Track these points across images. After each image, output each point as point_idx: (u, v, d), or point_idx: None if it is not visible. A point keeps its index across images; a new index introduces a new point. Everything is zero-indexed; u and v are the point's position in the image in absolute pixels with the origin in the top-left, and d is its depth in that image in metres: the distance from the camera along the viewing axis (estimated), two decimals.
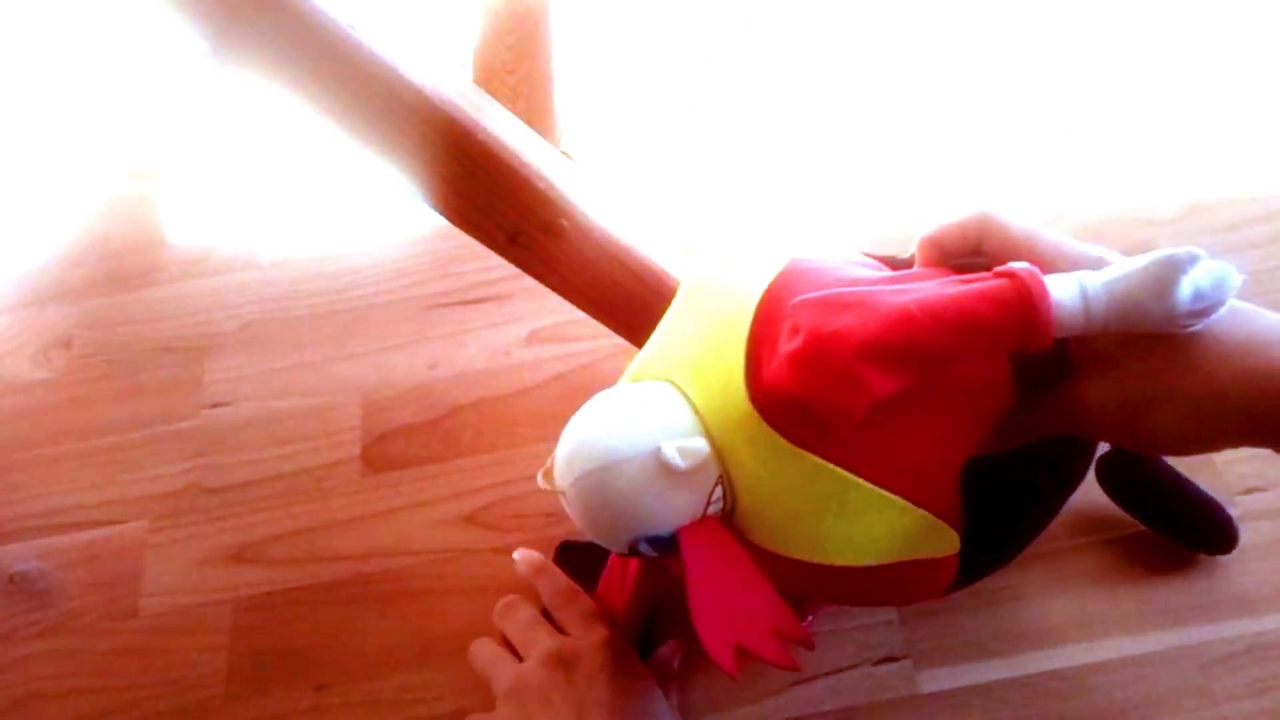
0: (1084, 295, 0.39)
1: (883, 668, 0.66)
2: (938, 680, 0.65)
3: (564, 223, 0.61)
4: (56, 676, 0.72)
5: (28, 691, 0.72)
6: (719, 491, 0.45)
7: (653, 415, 0.46)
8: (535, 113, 0.86)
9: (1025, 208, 0.85)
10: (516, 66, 0.85)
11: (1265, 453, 0.68)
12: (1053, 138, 0.88)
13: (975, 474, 0.46)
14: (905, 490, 0.43)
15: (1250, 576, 0.66)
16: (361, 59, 0.51)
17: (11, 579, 0.77)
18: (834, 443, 0.42)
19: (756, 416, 0.43)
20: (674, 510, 0.45)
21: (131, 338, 0.89)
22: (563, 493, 0.47)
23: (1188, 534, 0.66)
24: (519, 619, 0.65)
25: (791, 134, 0.92)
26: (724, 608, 0.43)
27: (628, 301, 0.68)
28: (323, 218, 0.95)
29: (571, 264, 0.64)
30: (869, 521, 0.43)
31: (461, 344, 0.85)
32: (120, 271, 0.94)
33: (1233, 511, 0.65)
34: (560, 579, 0.66)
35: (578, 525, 0.48)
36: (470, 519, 0.75)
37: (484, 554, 0.73)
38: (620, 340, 0.72)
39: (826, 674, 0.66)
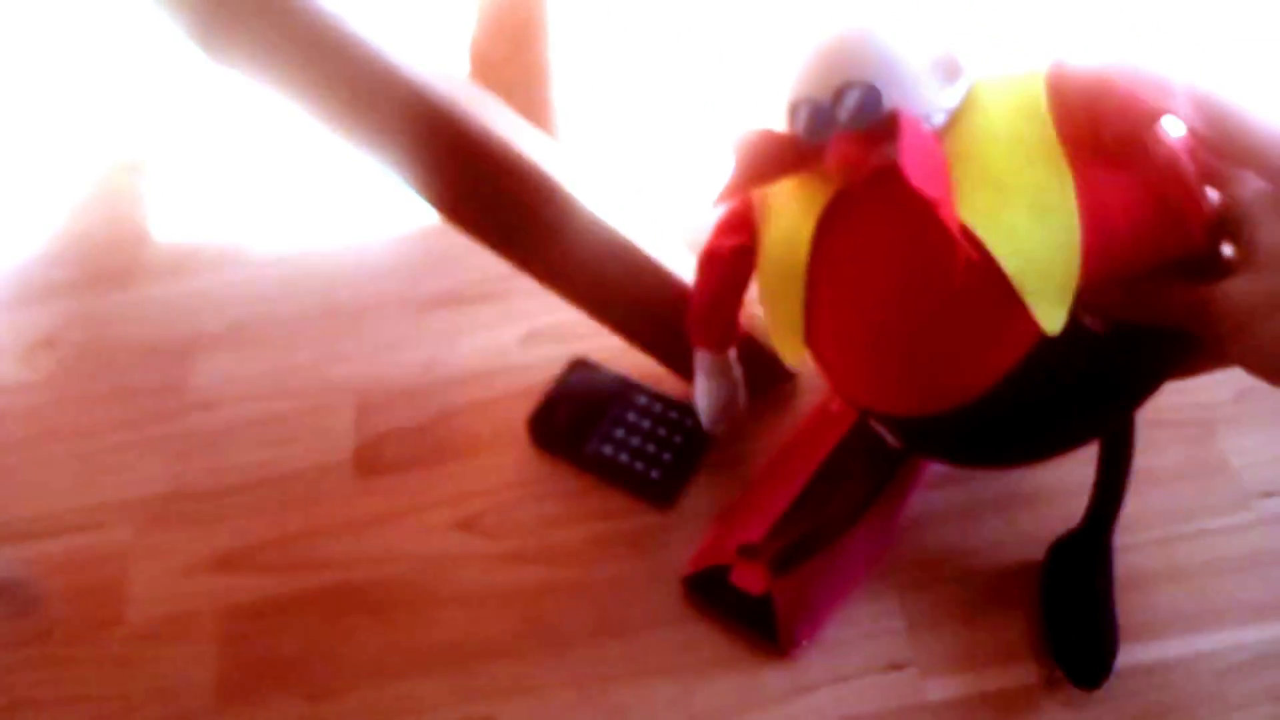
0: None
1: (889, 675, 0.65)
2: (944, 688, 0.64)
3: (561, 220, 0.60)
4: (41, 685, 0.71)
5: (11, 700, 0.70)
6: (939, 119, 0.46)
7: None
8: (533, 107, 0.85)
9: None
10: (513, 60, 0.85)
11: None
12: None
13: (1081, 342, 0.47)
14: (1085, 240, 0.44)
15: (1265, 582, 0.65)
16: (354, 51, 0.51)
17: None
18: (1083, 157, 0.45)
19: (1039, 91, 0.45)
20: (910, 84, 0.46)
21: (116, 338, 0.88)
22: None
23: (1066, 642, 0.64)
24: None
25: None
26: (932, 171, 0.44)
27: (626, 300, 0.68)
28: (313, 214, 0.95)
29: (569, 262, 0.64)
30: (1040, 225, 0.45)
31: (456, 344, 0.84)
32: (104, 270, 0.93)
33: (1247, 517, 0.65)
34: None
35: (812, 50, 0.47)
36: (465, 525, 0.74)
37: (478, 561, 0.72)
38: (619, 340, 0.72)
39: (833, 681, 0.65)
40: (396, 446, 0.79)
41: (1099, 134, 0.45)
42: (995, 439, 0.53)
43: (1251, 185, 0.46)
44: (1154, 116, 0.44)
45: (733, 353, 0.68)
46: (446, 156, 0.56)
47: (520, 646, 0.68)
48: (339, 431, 0.80)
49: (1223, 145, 0.44)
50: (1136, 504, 0.68)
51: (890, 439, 0.58)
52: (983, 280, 0.45)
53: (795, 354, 0.55)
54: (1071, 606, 0.64)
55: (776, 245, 0.54)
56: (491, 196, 0.59)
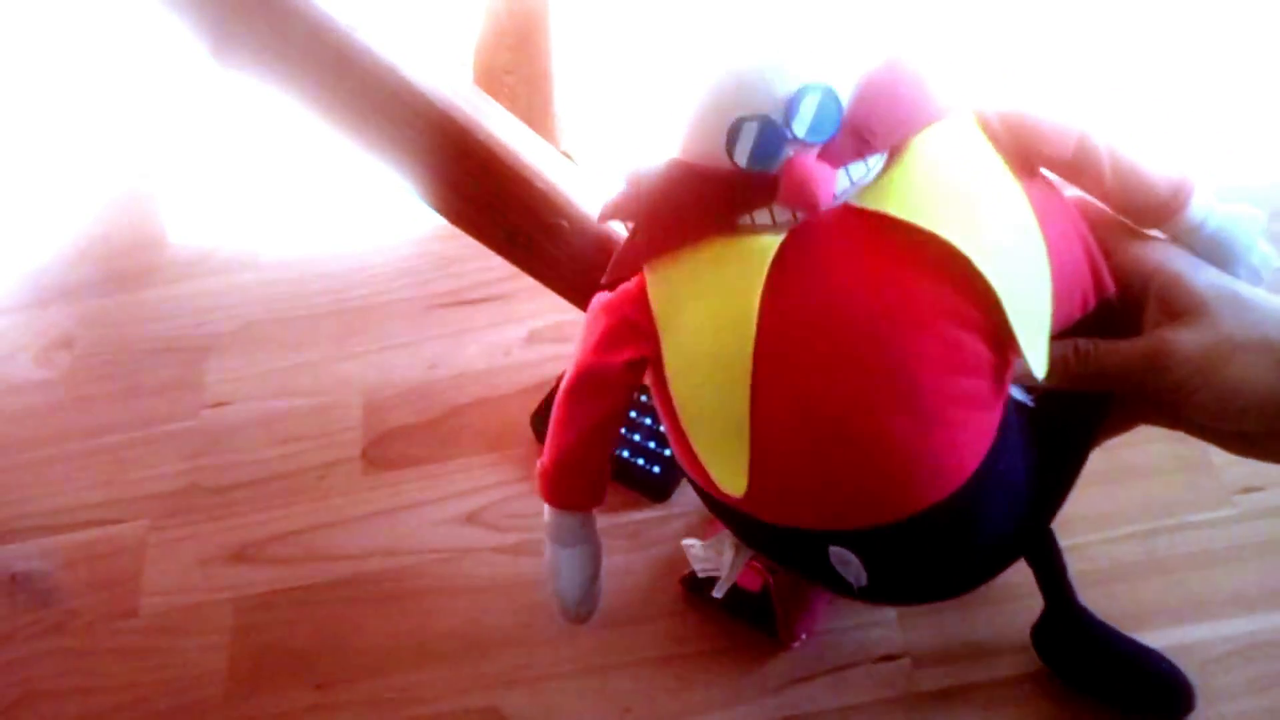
0: (1211, 211, 0.44)
1: (882, 666, 0.66)
2: (936, 678, 0.65)
3: (563, 223, 0.61)
4: (57, 675, 0.72)
5: (29, 690, 0.72)
6: (866, 171, 0.40)
7: None
8: (535, 113, 0.86)
9: None
10: (516, 67, 0.85)
11: None
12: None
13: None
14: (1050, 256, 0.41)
15: (1247, 575, 0.66)
16: (362, 60, 0.52)
17: (13, 578, 0.77)
18: (1023, 182, 0.43)
19: (971, 120, 0.43)
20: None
21: (133, 338, 0.90)
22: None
23: (1134, 696, 0.62)
24: None
25: None
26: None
27: None
28: (323, 218, 0.96)
29: (571, 263, 0.64)
30: (1017, 242, 0.41)
31: (461, 344, 0.85)
32: (121, 272, 0.94)
33: (1229, 511, 0.65)
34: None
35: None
36: (470, 518, 0.75)
37: (484, 553, 0.74)
38: None
39: (826, 672, 0.66)
40: (404, 443, 0.80)
41: (1029, 161, 0.43)
42: (959, 544, 0.46)
43: (1149, 243, 0.45)
44: (1070, 141, 0.42)
45: None
46: (452, 162, 0.57)
47: (524, 636, 0.70)
48: (348, 428, 0.81)
49: (1117, 186, 0.44)
50: (1120, 498, 0.69)
51: (854, 577, 0.47)
52: (971, 325, 0.40)
53: (740, 479, 0.42)
54: (1100, 663, 0.62)
55: (700, 336, 0.42)
56: (495, 200, 0.60)
